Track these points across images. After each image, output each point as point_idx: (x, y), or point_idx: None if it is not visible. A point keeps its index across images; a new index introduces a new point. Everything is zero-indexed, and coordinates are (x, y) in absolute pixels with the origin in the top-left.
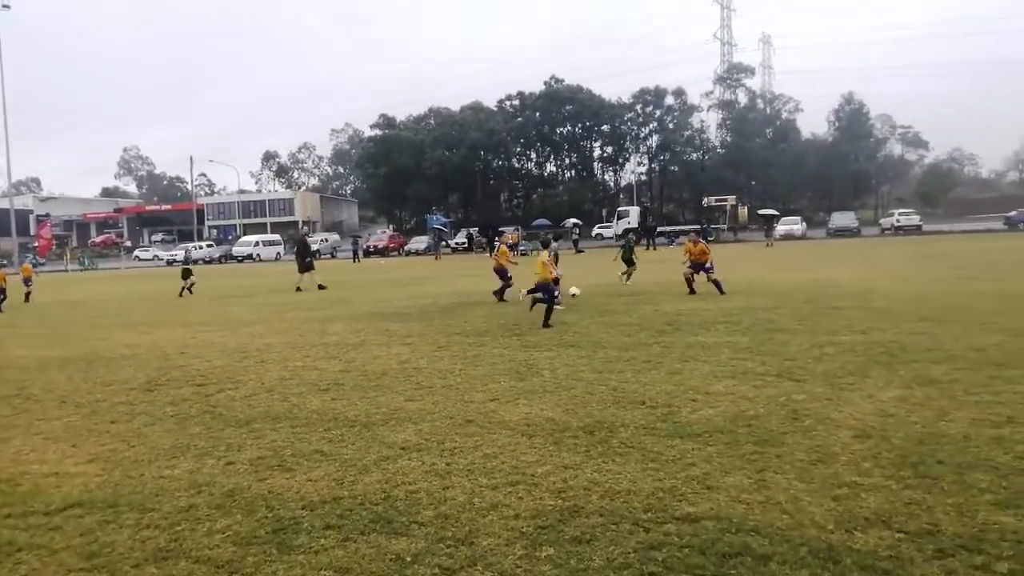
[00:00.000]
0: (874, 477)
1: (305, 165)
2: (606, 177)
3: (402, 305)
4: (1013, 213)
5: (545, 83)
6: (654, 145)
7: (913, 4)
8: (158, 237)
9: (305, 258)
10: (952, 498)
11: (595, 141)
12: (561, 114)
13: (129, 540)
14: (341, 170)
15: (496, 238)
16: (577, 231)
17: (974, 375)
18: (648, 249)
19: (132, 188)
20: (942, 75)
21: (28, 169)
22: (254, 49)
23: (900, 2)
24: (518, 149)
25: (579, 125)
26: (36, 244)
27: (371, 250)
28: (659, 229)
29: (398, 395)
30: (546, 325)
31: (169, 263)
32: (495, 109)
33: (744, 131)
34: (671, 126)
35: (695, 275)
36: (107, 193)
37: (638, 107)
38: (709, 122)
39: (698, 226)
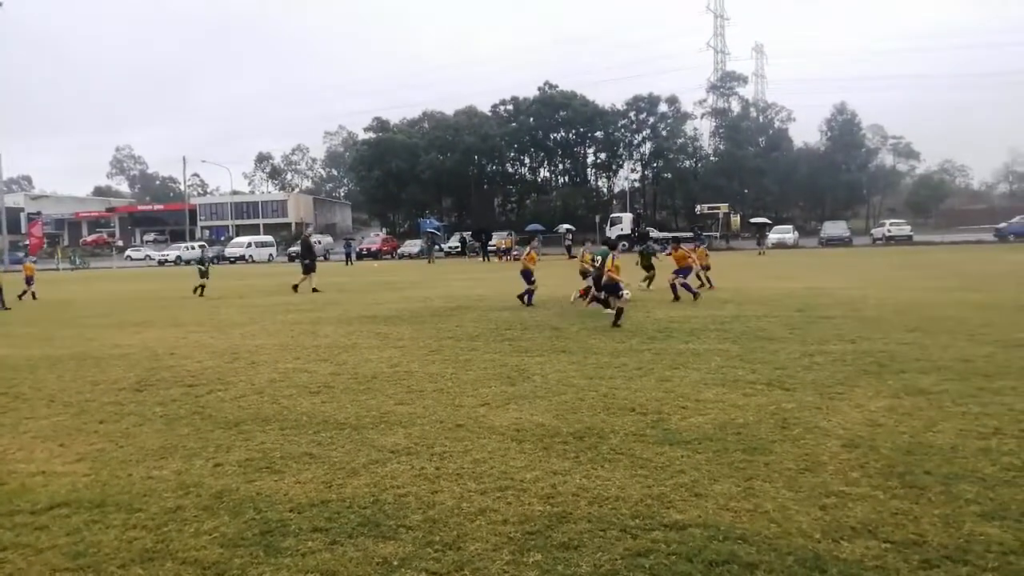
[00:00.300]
0: (861, 487)
1: (299, 167)
2: (599, 183)
3: (394, 308)
4: (1003, 225)
5: (539, 89)
6: (647, 152)
7: (905, 16)
8: (150, 237)
9: (305, 260)
10: (938, 509)
11: (589, 147)
12: (555, 120)
13: (116, 540)
14: (335, 172)
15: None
16: (570, 237)
17: (962, 386)
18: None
19: (124, 188)
20: (933, 87)
21: (19, 167)
22: (249, 50)
23: (892, 14)
24: (512, 154)
25: (573, 131)
26: (27, 243)
27: (364, 253)
28: (652, 236)
29: (388, 398)
30: (615, 324)
31: (161, 263)
32: (489, 114)
33: (737, 139)
34: (664, 133)
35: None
36: (99, 192)
37: (632, 114)
38: (702, 130)
39: (686, 233)
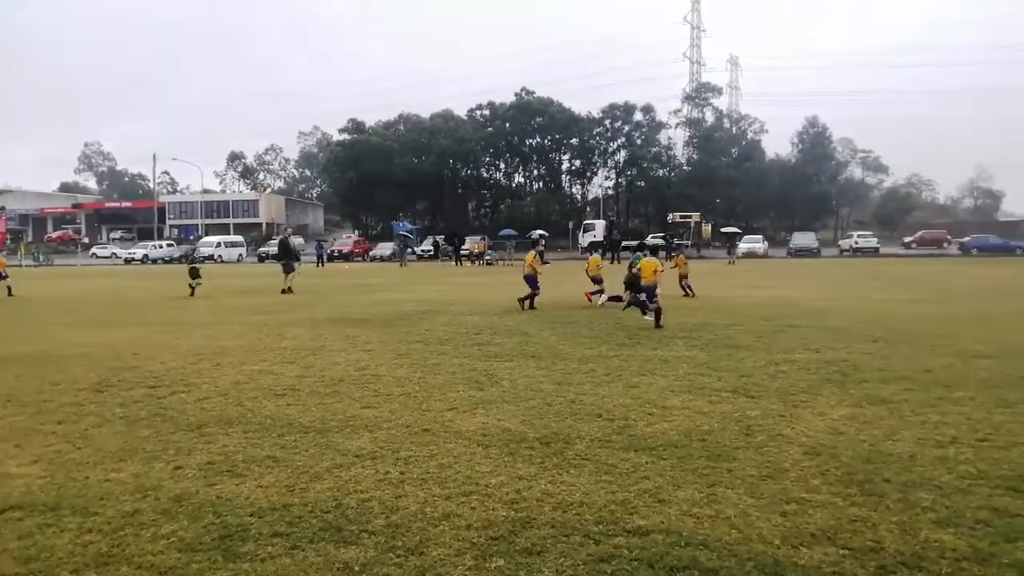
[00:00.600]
0: (822, 494)
1: (271, 167)
2: (574, 190)
3: (364, 311)
4: (967, 239)
5: (516, 95)
6: (622, 160)
7: (876, 32)
8: (117, 235)
9: (281, 259)
10: (896, 516)
11: (564, 154)
12: (531, 126)
13: (70, 544)
14: (308, 173)
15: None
16: (543, 242)
17: (922, 395)
18: (613, 263)
19: (92, 184)
20: (902, 102)
21: None
22: (223, 50)
23: (864, 30)
24: (487, 159)
25: (548, 137)
26: None
27: (336, 255)
28: (624, 243)
29: (355, 402)
30: (658, 326)
31: (128, 261)
32: (465, 118)
33: (710, 149)
34: (639, 142)
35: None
36: (66, 188)
37: (607, 122)
38: (676, 139)
39: (659, 240)
